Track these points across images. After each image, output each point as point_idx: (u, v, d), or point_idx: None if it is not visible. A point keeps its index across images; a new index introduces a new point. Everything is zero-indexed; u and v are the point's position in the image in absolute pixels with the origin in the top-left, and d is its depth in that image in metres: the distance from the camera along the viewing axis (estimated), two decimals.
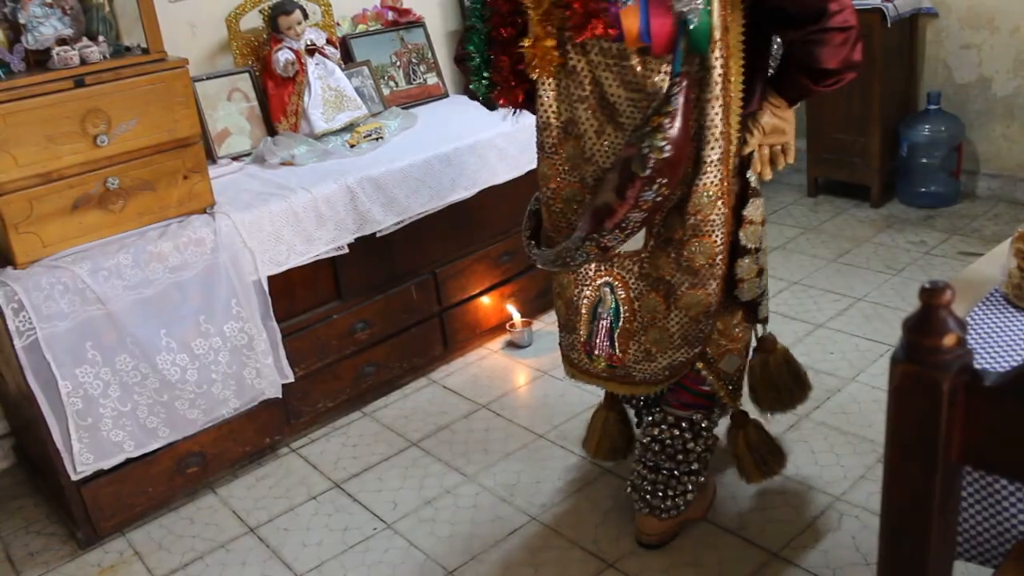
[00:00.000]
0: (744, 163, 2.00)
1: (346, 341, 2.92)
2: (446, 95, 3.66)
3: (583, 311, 2.12)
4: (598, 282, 2.08)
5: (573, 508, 2.47)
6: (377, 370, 3.03)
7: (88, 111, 2.35)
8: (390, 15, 3.59)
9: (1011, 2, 3.93)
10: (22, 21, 2.44)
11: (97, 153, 2.39)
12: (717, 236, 1.93)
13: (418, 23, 3.64)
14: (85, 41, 2.44)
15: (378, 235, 2.87)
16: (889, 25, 3.98)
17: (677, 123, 1.75)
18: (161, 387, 2.48)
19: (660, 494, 2.22)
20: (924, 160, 4.16)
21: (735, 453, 2.32)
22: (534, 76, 1.92)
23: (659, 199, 1.80)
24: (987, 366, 1.41)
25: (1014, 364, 1.41)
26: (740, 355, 2.17)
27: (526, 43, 1.88)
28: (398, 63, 3.55)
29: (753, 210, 2.00)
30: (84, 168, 2.38)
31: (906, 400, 1.00)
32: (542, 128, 1.98)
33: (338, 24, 3.46)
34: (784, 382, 2.30)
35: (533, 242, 2.13)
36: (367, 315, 2.95)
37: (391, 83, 3.52)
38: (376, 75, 3.43)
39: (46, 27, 2.45)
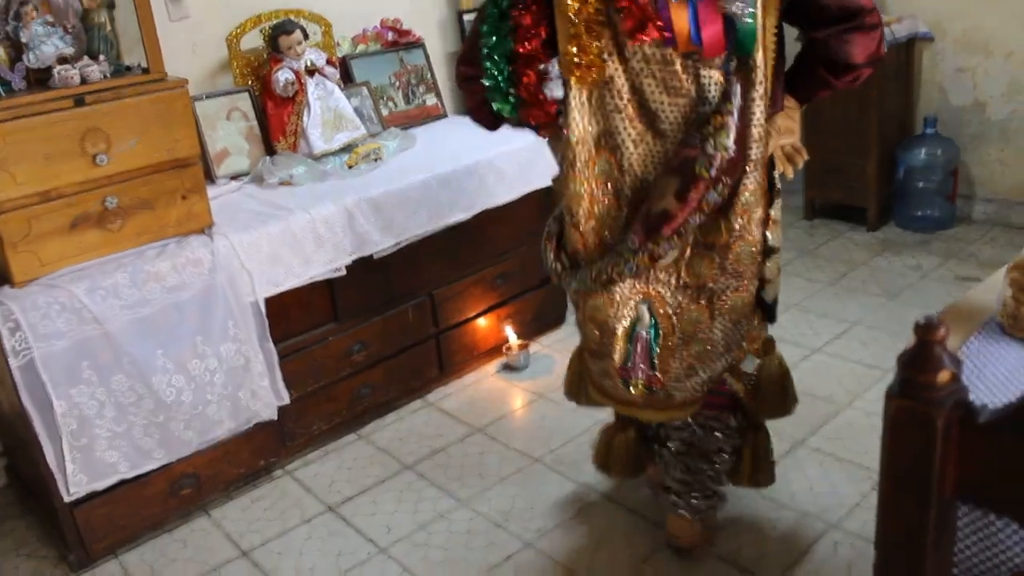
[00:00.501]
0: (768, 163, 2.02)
1: (342, 363, 2.91)
2: (445, 115, 3.67)
3: (619, 333, 2.04)
4: (634, 300, 2.01)
5: (568, 534, 2.46)
6: (373, 392, 3.03)
7: (88, 130, 2.36)
8: (390, 36, 3.61)
9: (1005, 27, 3.97)
10: (24, 40, 2.45)
11: (96, 172, 2.39)
12: (758, 235, 1.94)
13: (418, 44, 3.65)
14: (86, 60, 2.45)
15: (375, 257, 2.87)
16: (886, 49, 4.00)
17: (738, 122, 1.77)
18: (156, 408, 2.47)
19: (696, 495, 2.22)
20: (920, 184, 4.19)
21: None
22: (579, 87, 1.87)
23: (720, 200, 1.82)
24: (983, 397, 1.42)
25: (1010, 396, 1.41)
26: (758, 354, 2.17)
27: (571, 51, 1.82)
28: (397, 83, 3.56)
29: (776, 209, 2.01)
30: (83, 187, 2.38)
31: (901, 435, 1.00)
32: (574, 143, 1.93)
33: (338, 44, 3.47)
34: (774, 388, 2.22)
35: (559, 265, 2.08)
36: (364, 337, 2.95)
37: (390, 103, 3.53)
38: (375, 95, 3.44)
39: (47, 46, 2.46)
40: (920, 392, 0.96)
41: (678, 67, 1.80)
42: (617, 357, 2.06)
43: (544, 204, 3.33)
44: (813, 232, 4.37)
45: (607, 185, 1.94)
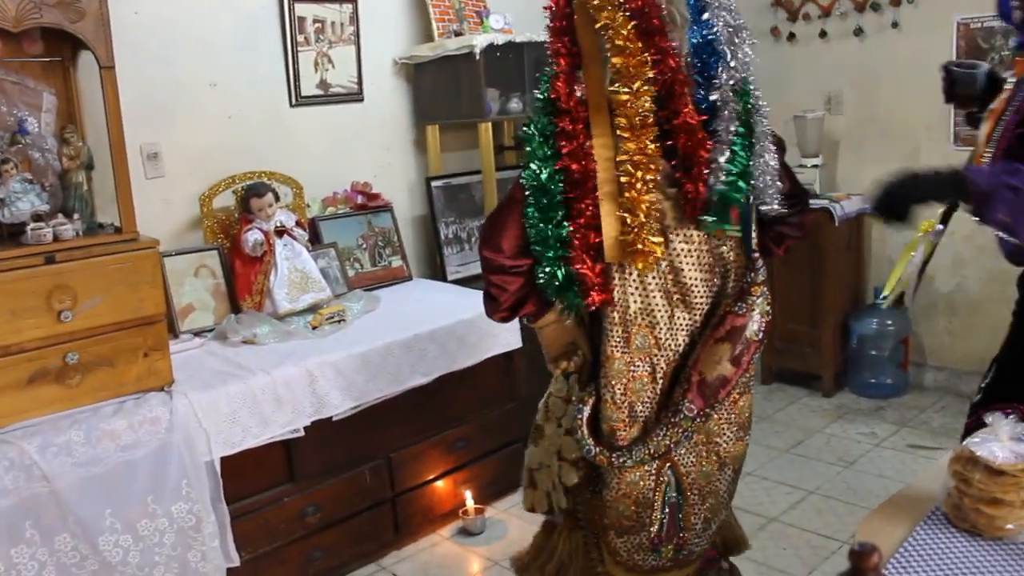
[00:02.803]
0: None
1: (296, 525, 2.86)
2: (410, 278, 3.76)
3: (657, 502, 2.06)
4: (662, 468, 2.05)
5: None
6: (325, 555, 2.96)
7: (55, 287, 2.38)
8: (359, 199, 3.72)
9: None
10: (1, 196, 2.51)
11: (59, 328, 2.40)
12: (753, 389, 2.09)
13: (386, 208, 3.77)
14: (60, 218, 2.50)
15: (334, 419, 2.88)
16: (836, 224, 4.20)
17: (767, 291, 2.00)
18: (100, 569, 2.40)
19: None
20: (873, 352, 4.31)
21: None
22: (626, 266, 1.95)
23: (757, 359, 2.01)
24: None
25: None
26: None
27: (643, 238, 1.88)
28: (364, 245, 3.65)
29: None
30: (45, 342, 2.38)
31: None
32: (620, 323, 1.98)
33: (308, 206, 3.57)
34: (736, 527, 2.40)
35: (599, 449, 2.01)
36: (319, 499, 2.91)
37: (356, 265, 3.61)
38: (342, 257, 3.52)
39: (23, 202, 2.52)
40: None
41: (708, 247, 1.98)
42: (654, 527, 2.08)
43: (505, 370, 3.37)
44: (771, 397, 4.44)
45: (643, 361, 2.01)
